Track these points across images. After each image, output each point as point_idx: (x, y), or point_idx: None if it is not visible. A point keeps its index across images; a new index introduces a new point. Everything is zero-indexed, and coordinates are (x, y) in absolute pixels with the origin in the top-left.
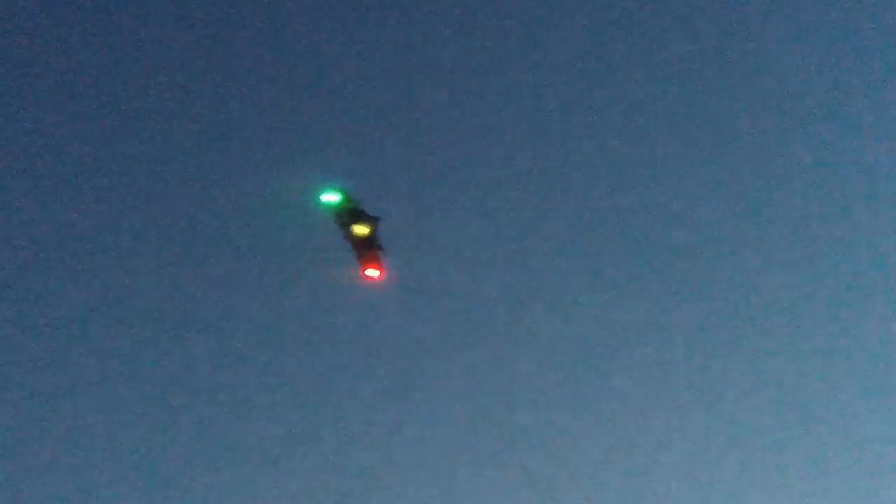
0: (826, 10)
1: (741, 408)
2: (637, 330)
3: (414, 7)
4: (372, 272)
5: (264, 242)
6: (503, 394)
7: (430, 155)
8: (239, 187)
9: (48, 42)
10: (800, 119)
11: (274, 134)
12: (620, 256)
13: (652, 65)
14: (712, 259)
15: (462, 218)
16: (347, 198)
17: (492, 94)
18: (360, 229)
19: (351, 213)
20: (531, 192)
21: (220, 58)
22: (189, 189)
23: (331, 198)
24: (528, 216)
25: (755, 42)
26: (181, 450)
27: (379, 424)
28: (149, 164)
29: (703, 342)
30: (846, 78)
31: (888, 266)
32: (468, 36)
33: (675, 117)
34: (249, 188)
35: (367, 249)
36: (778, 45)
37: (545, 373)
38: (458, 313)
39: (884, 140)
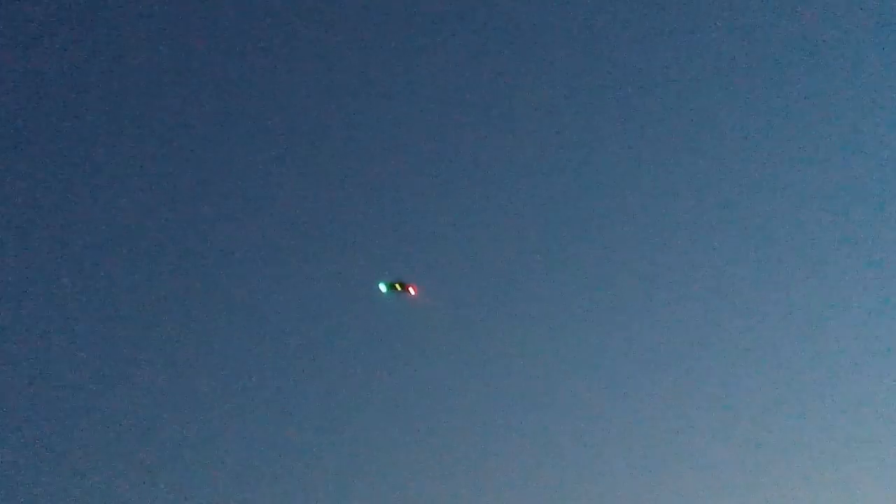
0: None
1: (740, 408)
2: (637, 330)
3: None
4: (411, 290)
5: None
6: (503, 393)
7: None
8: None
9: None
10: (798, 119)
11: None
12: (621, 256)
13: (650, 66)
14: (713, 259)
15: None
16: (389, 286)
17: (490, 101)
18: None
19: (390, 286)
20: (532, 197)
21: None
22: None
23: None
24: (529, 218)
25: (754, 42)
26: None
27: (381, 424)
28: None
29: (702, 342)
30: (846, 78)
31: (887, 265)
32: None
33: (674, 117)
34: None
35: (402, 289)
36: (777, 46)
37: (545, 373)
38: (459, 316)
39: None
